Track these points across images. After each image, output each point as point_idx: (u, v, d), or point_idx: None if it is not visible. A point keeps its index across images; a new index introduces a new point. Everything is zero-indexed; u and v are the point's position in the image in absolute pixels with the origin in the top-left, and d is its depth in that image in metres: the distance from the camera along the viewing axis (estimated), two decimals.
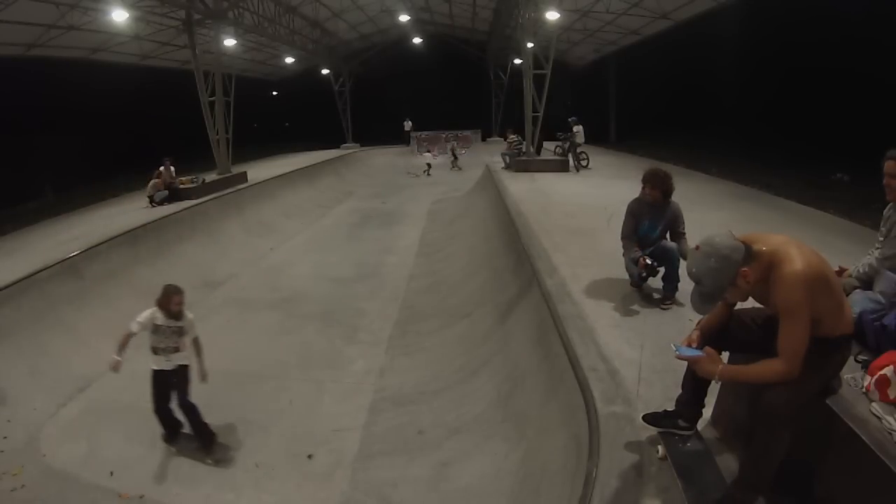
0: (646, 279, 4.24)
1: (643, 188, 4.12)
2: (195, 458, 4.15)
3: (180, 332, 4.08)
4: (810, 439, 2.00)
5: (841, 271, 2.72)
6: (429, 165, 19.17)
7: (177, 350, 4.08)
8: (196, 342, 4.21)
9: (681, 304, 3.97)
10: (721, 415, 2.53)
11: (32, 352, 5.49)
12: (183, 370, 4.13)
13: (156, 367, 4.06)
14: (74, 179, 15.56)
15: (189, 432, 4.25)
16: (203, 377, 4.17)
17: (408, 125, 25.57)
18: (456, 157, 19.96)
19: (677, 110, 20.66)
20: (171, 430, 4.27)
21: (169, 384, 4.10)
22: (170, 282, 4.15)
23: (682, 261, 3.85)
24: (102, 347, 5.89)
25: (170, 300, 3.98)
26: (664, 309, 3.96)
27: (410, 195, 15.34)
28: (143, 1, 11.67)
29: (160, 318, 3.99)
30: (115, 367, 3.88)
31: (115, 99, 16.81)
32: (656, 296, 4.17)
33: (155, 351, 4.03)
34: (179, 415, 4.20)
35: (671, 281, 4.02)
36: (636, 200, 4.21)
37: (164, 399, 4.14)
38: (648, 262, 3.98)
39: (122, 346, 3.91)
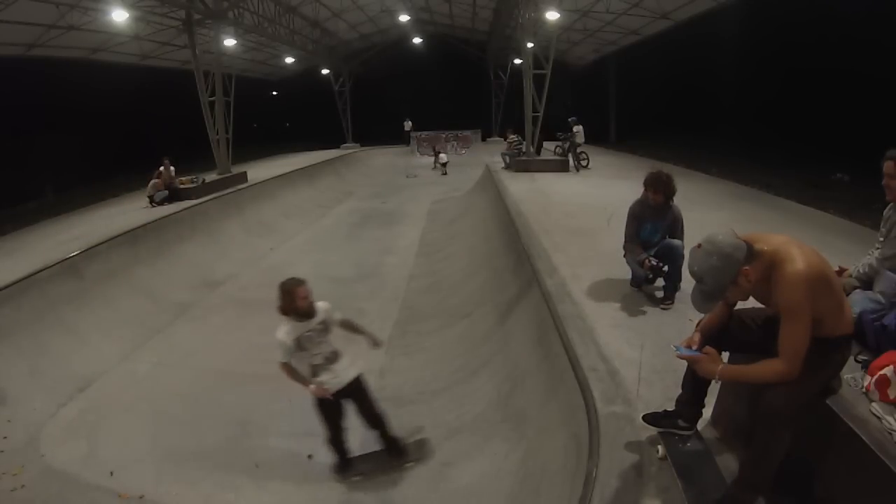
0: (653, 281, 4.23)
1: (645, 192, 4.08)
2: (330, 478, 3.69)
3: (326, 329, 3.36)
4: (810, 439, 2.00)
5: (841, 271, 2.72)
6: (444, 165, 19.14)
7: (336, 356, 3.38)
8: (346, 322, 3.57)
9: (680, 289, 3.97)
10: (721, 415, 2.53)
11: (32, 352, 5.49)
12: (357, 383, 3.48)
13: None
14: (74, 179, 15.59)
15: (371, 451, 3.79)
16: (376, 343, 3.66)
17: (408, 125, 25.55)
18: (438, 156, 19.92)
19: (677, 110, 20.67)
20: (347, 460, 3.74)
21: (343, 406, 3.49)
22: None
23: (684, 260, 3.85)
24: (102, 347, 5.93)
25: (294, 297, 3.19)
26: (664, 309, 3.96)
27: (410, 195, 15.32)
28: (143, 1, 11.67)
29: (295, 329, 3.24)
30: (323, 391, 3.33)
31: (115, 99, 16.83)
32: (657, 294, 4.17)
33: (314, 372, 3.32)
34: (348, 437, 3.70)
35: (672, 280, 4.01)
36: (638, 203, 4.17)
37: (340, 424, 3.55)
38: (653, 262, 3.97)
39: (297, 377, 3.33)
